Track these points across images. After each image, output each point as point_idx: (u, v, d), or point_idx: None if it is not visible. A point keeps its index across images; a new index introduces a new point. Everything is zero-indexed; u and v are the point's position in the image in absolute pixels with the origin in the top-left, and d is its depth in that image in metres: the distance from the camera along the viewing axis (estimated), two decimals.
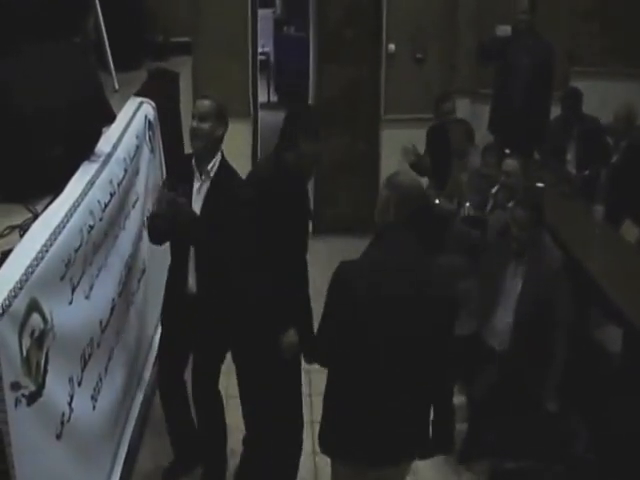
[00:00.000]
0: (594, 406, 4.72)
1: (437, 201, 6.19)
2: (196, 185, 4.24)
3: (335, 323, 3.24)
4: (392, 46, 7.53)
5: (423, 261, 3.27)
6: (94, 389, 3.40)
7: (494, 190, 5.74)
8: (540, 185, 6.12)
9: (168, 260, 5.50)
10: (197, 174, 4.23)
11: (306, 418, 5.14)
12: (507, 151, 6.01)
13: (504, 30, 7.03)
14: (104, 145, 3.97)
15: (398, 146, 7.41)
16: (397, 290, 3.16)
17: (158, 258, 5.03)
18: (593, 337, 5.12)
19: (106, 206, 3.72)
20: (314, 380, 5.60)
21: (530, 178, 5.80)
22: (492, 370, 4.70)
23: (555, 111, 7.01)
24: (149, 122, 4.99)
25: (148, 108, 5.05)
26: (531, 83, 6.74)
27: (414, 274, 3.20)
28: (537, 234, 4.72)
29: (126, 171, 4.22)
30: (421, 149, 6.92)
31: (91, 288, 3.42)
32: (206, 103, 4.19)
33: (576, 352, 4.68)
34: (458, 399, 4.25)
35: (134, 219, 4.41)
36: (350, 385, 3.30)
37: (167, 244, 4.44)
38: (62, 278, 3.05)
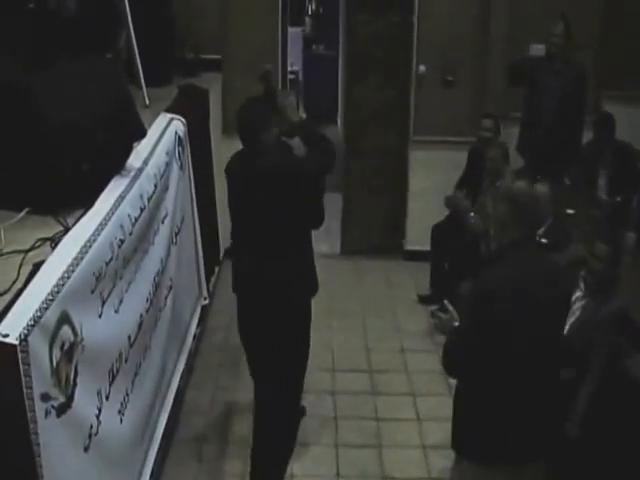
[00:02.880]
0: (620, 436, 4.64)
1: (472, 214, 6.31)
2: None
3: (479, 331, 3.28)
4: (422, 67, 7.51)
5: (548, 262, 3.52)
6: (121, 403, 3.38)
7: None
8: (570, 211, 6.06)
9: (194, 278, 5.50)
10: None
11: (331, 441, 5.15)
12: (538, 177, 5.96)
13: (538, 49, 6.98)
14: (135, 160, 3.97)
15: (427, 168, 7.44)
16: (539, 292, 3.29)
17: (184, 275, 5.02)
18: (622, 366, 5.03)
19: (136, 221, 3.71)
20: (339, 403, 5.59)
21: (560, 204, 5.75)
22: None
23: (587, 135, 6.96)
24: (179, 138, 5.00)
25: (178, 124, 5.06)
26: (561, 107, 6.69)
27: (547, 275, 3.37)
28: (610, 276, 4.65)
29: (156, 186, 4.22)
30: (450, 169, 6.93)
31: (121, 302, 3.40)
32: None
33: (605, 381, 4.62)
34: None
35: (163, 235, 4.40)
36: (493, 389, 3.34)
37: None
38: (93, 291, 3.03)
